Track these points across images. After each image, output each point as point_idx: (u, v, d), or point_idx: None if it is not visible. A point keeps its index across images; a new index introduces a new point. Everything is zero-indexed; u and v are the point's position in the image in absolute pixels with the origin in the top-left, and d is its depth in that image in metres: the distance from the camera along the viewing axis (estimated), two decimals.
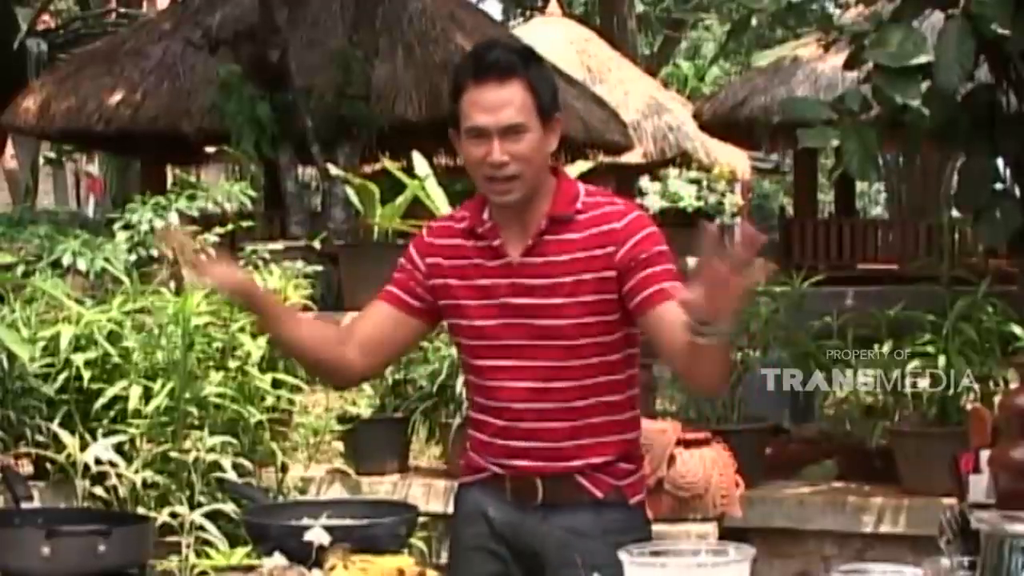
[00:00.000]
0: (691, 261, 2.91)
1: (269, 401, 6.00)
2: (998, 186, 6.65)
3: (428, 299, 2.96)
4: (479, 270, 2.91)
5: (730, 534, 5.35)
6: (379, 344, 2.99)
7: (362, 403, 6.37)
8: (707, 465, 5.56)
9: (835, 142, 6.20)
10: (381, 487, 6.12)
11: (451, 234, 2.97)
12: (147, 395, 5.72)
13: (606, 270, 2.84)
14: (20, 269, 6.99)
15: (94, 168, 20.02)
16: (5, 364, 5.86)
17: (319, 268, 7.74)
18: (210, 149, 11.13)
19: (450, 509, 3.09)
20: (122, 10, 17.82)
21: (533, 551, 2.93)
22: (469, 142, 2.84)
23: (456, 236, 2.96)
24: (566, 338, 2.85)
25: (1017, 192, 6.63)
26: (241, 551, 5.03)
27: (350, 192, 9.08)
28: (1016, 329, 6.03)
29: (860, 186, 25.33)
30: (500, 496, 2.95)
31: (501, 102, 2.80)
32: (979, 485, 2.68)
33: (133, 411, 5.69)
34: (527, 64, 2.85)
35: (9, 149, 17.69)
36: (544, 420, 2.88)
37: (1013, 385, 5.51)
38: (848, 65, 6.52)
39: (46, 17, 18.49)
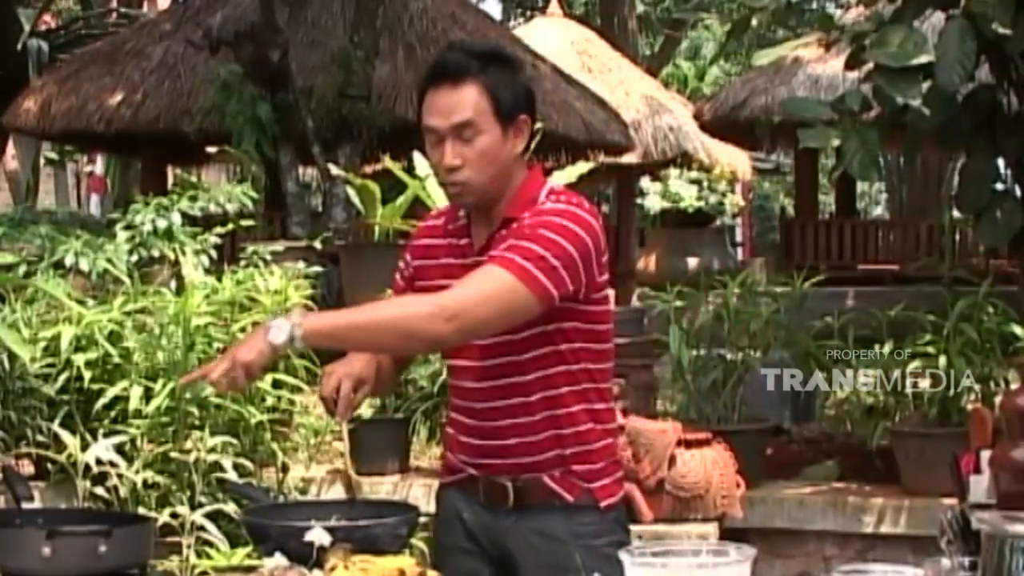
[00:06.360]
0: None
1: (270, 401, 6.00)
2: (999, 186, 6.65)
3: None
4: (448, 270, 2.91)
5: (731, 534, 5.35)
6: None
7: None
8: (708, 465, 5.56)
9: (836, 142, 6.19)
10: (382, 487, 6.11)
11: (431, 234, 3.02)
12: (148, 395, 5.71)
13: None
14: (21, 269, 6.98)
15: (96, 168, 20.00)
16: (6, 364, 5.86)
17: (320, 268, 7.73)
18: (211, 149, 11.12)
19: None
20: (123, 10, 17.80)
21: (507, 553, 2.93)
22: (428, 145, 2.85)
23: (436, 235, 3.00)
24: (512, 333, 2.82)
25: (1018, 192, 6.63)
26: (242, 551, 5.03)
27: (351, 192, 9.07)
28: (1017, 329, 6.04)
29: (861, 186, 25.36)
30: (473, 498, 2.96)
31: (452, 104, 2.79)
32: (980, 485, 2.68)
33: (134, 411, 5.69)
34: (485, 66, 2.82)
35: (10, 149, 17.66)
36: (508, 417, 2.87)
37: (1014, 386, 5.50)
38: (849, 65, 6.51)
39: (47, 17, 18.49)
